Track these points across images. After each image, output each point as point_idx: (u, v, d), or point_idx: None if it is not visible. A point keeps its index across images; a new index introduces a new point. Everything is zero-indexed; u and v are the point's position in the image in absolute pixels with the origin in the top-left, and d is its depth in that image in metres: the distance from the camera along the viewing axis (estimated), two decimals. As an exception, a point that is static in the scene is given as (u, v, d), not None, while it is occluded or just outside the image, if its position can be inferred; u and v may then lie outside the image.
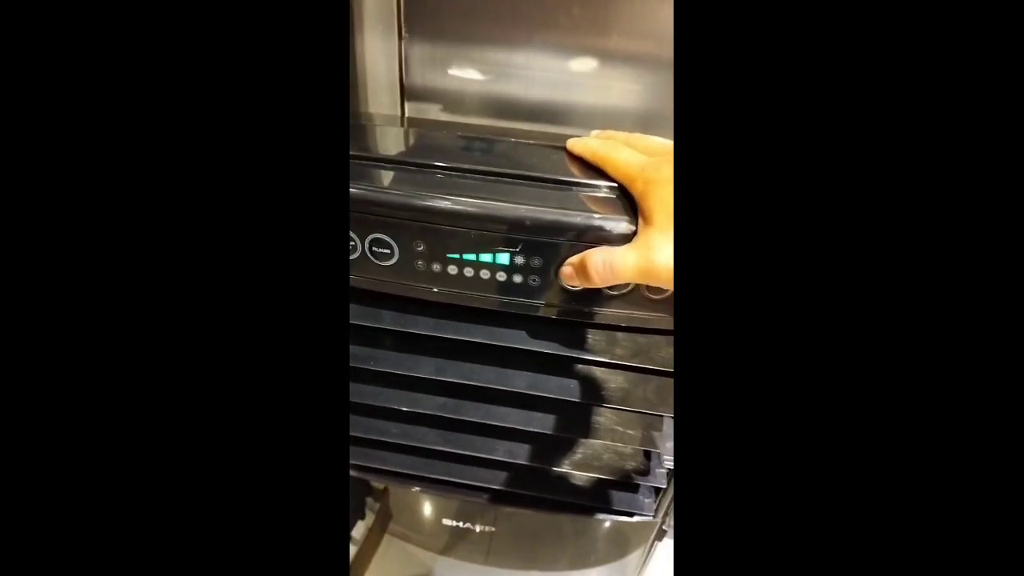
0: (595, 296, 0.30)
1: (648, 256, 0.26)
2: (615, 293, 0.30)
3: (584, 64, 0.44)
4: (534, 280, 0.30)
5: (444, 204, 0.28)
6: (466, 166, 0.30)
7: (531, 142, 0.36)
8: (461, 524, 0.51)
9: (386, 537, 0.57)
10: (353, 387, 0.38)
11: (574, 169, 0.31)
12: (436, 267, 0.30)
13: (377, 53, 0.47)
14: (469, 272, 0.30)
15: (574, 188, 0.30)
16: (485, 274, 0.30)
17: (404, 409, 0.37)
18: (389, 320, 0.34)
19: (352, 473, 0.44)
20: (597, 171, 0.30)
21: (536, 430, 0.37)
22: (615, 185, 0.29)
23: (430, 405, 0.37)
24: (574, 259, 0.28)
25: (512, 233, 0.28)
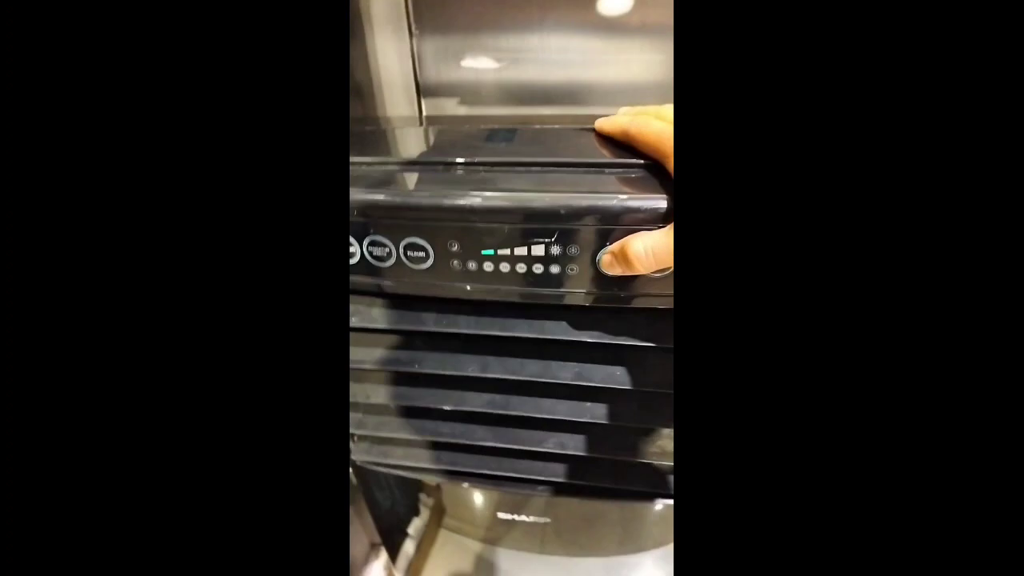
0: (635, 280, 0.29)
1: None
2: (656, 276, 0.29)
3: (601, 39, 0.43)
4: (572, 269, 0.29)
5: (475, 201, 0.27)
6: (493, 159, 0.30)
7: (556, 126, 0.35)
8: (515, 516, 0.51)
9: (442, 532, 0.58)
10: (401, 390, 0.38)
11: (604, 150, 0.30)
12: (472, 265, 0.30)
13: (390, 54, 0.47)
14: (505, 267, 0.29)
15: (606, 170, 0.29)
16: (521, 267, 0.29)
17: (452, 408, 0.37)
18: (430, 322, 0.34)
19: (405, 474, 0.45)
20: (628, 150, 0.29)
21: (586, 420, 0.36)
22: (648, 163, 0.28)
23: (478, 402, 0.37)
24: (614, 247, 0.27)
25: (546, 223, 0.27)
